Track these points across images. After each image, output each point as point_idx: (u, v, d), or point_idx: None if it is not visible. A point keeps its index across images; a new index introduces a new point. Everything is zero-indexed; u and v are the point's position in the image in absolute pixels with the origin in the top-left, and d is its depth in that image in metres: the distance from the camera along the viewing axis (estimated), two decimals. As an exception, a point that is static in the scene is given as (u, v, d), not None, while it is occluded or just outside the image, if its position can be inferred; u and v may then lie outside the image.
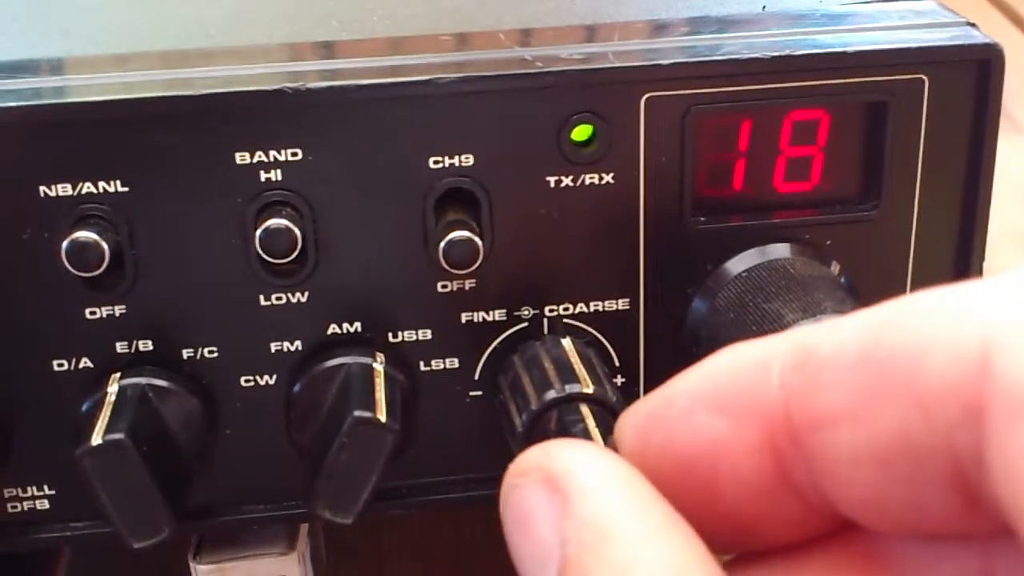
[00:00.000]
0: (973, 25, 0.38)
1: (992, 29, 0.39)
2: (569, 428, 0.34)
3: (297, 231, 0.35)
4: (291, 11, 0.43)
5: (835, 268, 0.39)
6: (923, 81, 0.37)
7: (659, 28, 0.39)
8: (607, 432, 0.33)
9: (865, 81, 0.37)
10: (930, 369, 0.19)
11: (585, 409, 0.35)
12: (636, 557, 0.20)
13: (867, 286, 0.39)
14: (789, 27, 0.38)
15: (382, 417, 0.34)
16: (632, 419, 0.24)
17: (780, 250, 0.38)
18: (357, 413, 0.34)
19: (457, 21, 0.40)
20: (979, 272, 0.39)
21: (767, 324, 0.34)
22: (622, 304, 0.38)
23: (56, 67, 0.36)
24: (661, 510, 0.21)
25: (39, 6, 0.44)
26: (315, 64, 0.36)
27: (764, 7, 0.41)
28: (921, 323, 0.19)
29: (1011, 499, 0.17)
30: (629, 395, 0.39)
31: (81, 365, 0.37)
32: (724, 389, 0.22)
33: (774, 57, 0.36)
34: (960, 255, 0.39)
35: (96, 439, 0.33)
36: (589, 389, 0.35)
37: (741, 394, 0.22)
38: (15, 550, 0.39)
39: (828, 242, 0.39)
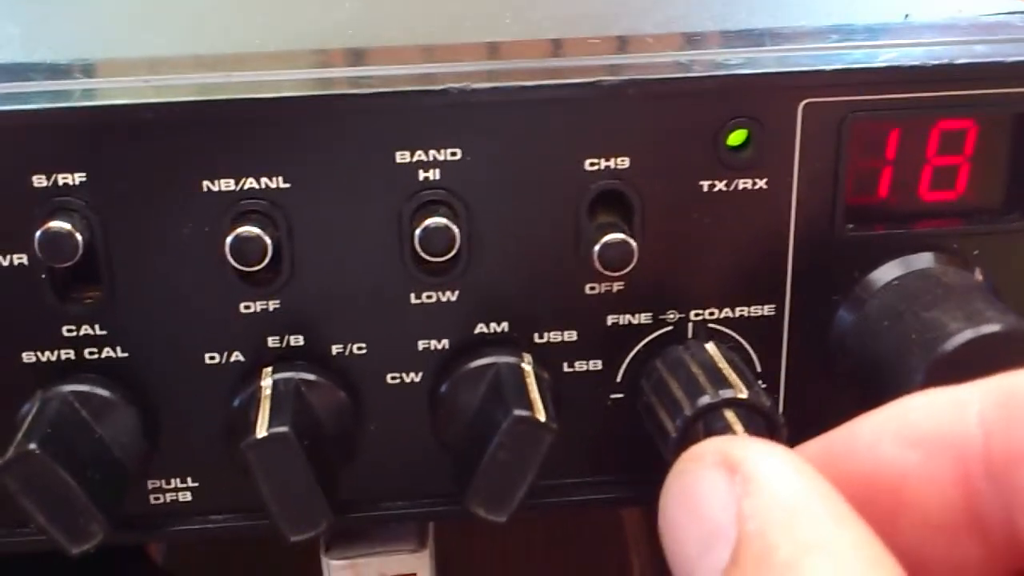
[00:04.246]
0: (1125, 36, 0.38)
1: None
2: (722, 433, 0.34)
3: (455, 230, 0.35)
4: (455, 11, 0.43)
5: (979, 275, 0.39)
6: (1075, 93, 0.37)
7: (808, 35, 0.39)
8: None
9: (1015, 91, 0.37)
10: None
11: (732, 415, 0.35)
12: (826, 537, 0.20)
13: (1012, 296, 0.39)
14: (939, 36, 0.38)
15: (541, 416, 0.34)
16: (809, 449, 0.24)
17: (930, 259, 0.38)
18: (517, 412, 0.34)
19: (604, 24, 0.40)
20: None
21: (928, 332, 0.34)
22: (767, 310, 0.38)
23: (218, 63, 0.36)
24: (844, 502, 0.21)
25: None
26: (477, 65, 0.36)
27: (907, 16, 0.41)
28: None
29: None
30: (770, 401, 0.39)
31: (232, 359, 0.37)
32: (917, 424, 0.22)
33: (934, 66, 0.36)
34: (1107, 268, 0.39)
35: (261, 431, 0.33)
36: (743, 394, 0.35)
37: (936, 430, 0.22)
38: (156, 542, 0.39)
39: (975, 252, 0.38)
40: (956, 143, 0.38)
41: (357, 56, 0.37)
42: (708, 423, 0.35)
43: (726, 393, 0.35)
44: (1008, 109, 0.38)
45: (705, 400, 0.35)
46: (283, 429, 0.33)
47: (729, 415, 0.35)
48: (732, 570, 0.20)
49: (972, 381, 0.32)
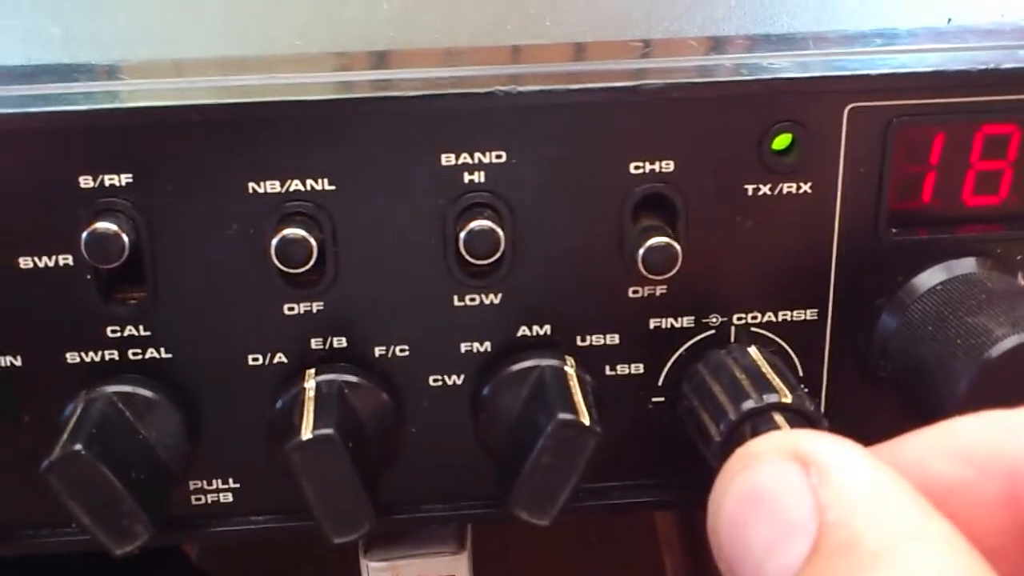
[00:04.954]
0: None
1: None
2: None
3: (500, 233, 0.35)
4: (495, 12, 0.43)
5: (1022, 281, 0.39)
6: (1122, 97, 0.37)
7: (853, 39, 0.38)
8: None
9: (1060, 96, 0.37)
10: None
11: (781, 419, 0.35)
12: (918, 526, 0.20)
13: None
14: (983, 41, 0.38)
15: (585, 420, 0.34)
16: None
17: (973, 264, 0.38)
18: (561, 416, 0.34)
19: (647, 27, 0.40)
20: None
21: (972, 338, 0.34)
22: (810, 314, 0.38)
23: (262, 65, 0.36)
24: (921, 495, 0.21)
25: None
26: (511, 68, 0.36)
27: (949, 20, 0.41)
28: None
29: None
30: (811, 406, 0.39)
31: (275, 360, 0.37)
32: (968, 443, 0.22)
33: (980, 70, 0.36)
34: None
35: (306, 434, 0.33)
36: (788, 399, 0.35)
37: (987, 449, 0.22)
38: (197, 542, 0.39)
39: (1019, 257, 0.38)
40: (1000, 148, 0.38)
41: (396, 58, 0.37)
42: (755, 427, 0.35)
43: (770, 398, 0.35)
44: (1053, 113, 0.37)
45: (749, 404, 0.35)
46: (328, 431, 0.33)
47: (779, 419, 0.34)
48: (814, 560, 0.20)
49: (1018, 387, 0.32)
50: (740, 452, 0.23)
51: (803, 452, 0.21)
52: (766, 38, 0.39)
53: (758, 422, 0.35)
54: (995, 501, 0.22)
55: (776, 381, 0.36)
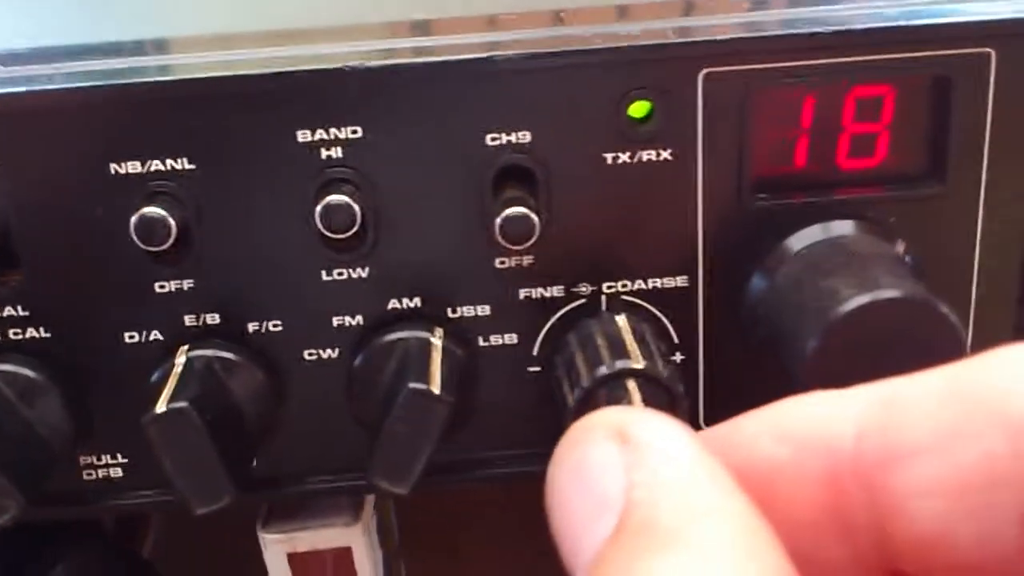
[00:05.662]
0: (1044, -2, 0.38)
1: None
2: (619, 403, 0.34)
3: (356, 207, 0.35)
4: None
5: (900, 247, 0.38)
6: (990, 55, 0.36)
7: (718, 3, 0.38)
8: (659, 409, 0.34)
9: (930, 55, 0.37)
10: (1018, 400, 0.19)
11: (633, 385, 0.35)
12: (712, 506, 0.20)
13: (933, 264, 0.38)
14: (852, 0, 0.38)
15: (436, 389, 0.35)
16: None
17: (842, 227, 0.38)
18: (411, 385, 0.35)
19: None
20: (1050, 251, 0.39)
21: (822, 300, 0.34)
22: (680, 281, 0.38)
23: (126, 49, 0.37)
24: (729, 476, 0.21)
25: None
26: (375, 44, 0.36)
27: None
28: (1010, 361, 0.19)
29: None
30: (687, 373, 0.39)
31: (151, 338, 0.38)
32: (794, 422, 0.22)
33: (836, 31, 0.35)
34: (1029, 233, 0.38)
35: (161, 407, 0.34)
36: (640, 364, 0.35)
37: (810, 428, 0.22)
38: (90, 516, 0.40)
39: (892, 219, 0.38)
40: (873, 110, 0.38)
41: (270, 37, 0.38)
42: (610, 392, 0.35)
43: (622, 363, 0.35)
44: (923, 72, 0.37)
45: (602, 371, 0.35)
46: (181, 404, 0.34)
47: (631, 385, 0.35)
48: (616, 537, 0.20)
49: (865, 349, 0.32)
50: (575, 425, 0.23)
51: (624, 429, 0.22)
52: (630, 6, 0.39)
53: (613, 388, 0.35)
54: (815, 479, 0.22)
55: (632, 347, 0.36)
